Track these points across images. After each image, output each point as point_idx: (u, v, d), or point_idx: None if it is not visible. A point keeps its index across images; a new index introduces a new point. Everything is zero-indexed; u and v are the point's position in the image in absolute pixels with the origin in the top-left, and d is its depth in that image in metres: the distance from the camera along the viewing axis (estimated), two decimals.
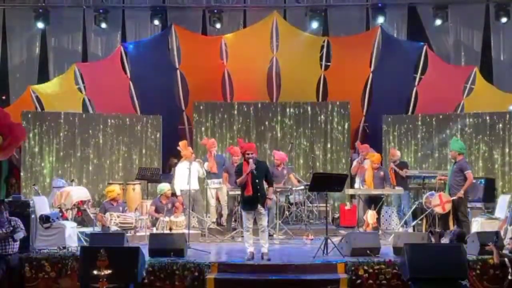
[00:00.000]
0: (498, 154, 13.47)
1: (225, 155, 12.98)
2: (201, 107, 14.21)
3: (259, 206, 9.07)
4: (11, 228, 8.60)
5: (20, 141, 9.01)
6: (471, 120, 13.72)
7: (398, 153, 12.70)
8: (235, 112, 14.24)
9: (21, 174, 13.46)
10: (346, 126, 14.22)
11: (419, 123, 14.02)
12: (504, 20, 15.72)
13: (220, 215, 12.53)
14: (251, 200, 9.04)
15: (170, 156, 14.41)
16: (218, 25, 16.16)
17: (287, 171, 12.21)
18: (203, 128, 14.12)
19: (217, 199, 12.35)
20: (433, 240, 9.54)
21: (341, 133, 14.19)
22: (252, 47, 15.47)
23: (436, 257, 7.95)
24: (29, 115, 13.59)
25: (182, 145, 11.84)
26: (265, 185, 9.30)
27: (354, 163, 12.62)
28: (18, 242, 8.70)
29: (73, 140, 13.72)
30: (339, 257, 9.11)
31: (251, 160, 9.04)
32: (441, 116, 13.96)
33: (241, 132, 14.15)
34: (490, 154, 13.51)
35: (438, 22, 16.00)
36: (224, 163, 12.32)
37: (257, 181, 9.03)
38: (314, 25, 16.11)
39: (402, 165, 12.32)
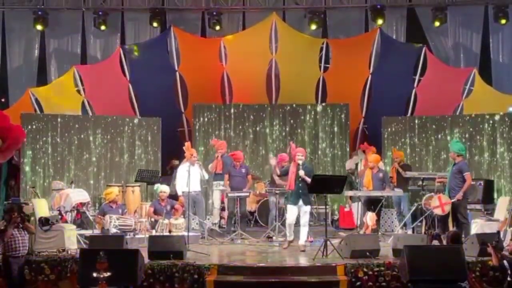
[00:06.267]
0: (497, 156, 13.45)
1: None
2: (200, 109, 14.26)
3: (301, 202, 10.05)
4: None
5: (19, 143, 9.01)
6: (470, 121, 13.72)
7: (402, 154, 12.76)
8: (234, 113, 14.27)
9: (21, 176, 13.44)
10: (345, 128, 14.23)
11: (418, 124, 14.02)
12: (503, 21, 15.74)
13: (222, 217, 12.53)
14: (294, 195, 10.14)
15: (172, 158, 14.42)
16: (217, 27, 16.17)
17: None
18: (202, 129, 14.18)
19: (223, 201, 12.32)
20: None
21: (341, 135, 14.20)
22: (251, 49, 15.47)
23: (436, 259, 7.94)
24: (29, 118, 13.57)
25: (186, 146, 11.88)
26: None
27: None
28: (27, 245, 8.77)
29: (72, 142, 13.69)
30: (338, 259, 9.11)
31: (300, 162, 10.06)
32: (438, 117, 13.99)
33: (239, 134, 14.19)
34: (490, 155, 13.49)
35: (437, 23, 16.02)
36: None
37: (300, 179, 10.02)
38: (313, 26, 16.13)
39: (406, 167, 12.32)
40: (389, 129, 14.12)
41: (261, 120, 14.27)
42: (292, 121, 14.29)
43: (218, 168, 12.06)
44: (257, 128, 14.27)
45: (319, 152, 14.18)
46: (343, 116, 14.21)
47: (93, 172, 13.79)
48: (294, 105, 14.38)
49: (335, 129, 14.19)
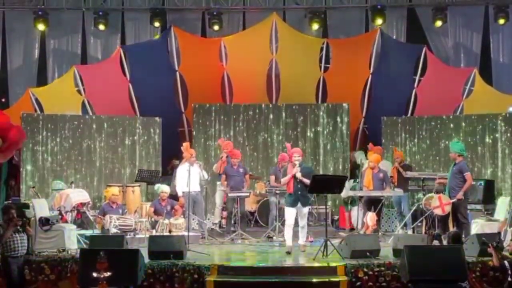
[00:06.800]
0: (497, 156, 13.44)
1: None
2: (200, 109, 14.25)
3: (299, 204, 9.80)
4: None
5: (19, 143, 9.05)
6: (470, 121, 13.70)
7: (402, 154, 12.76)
8: (234, 114, 14.27)
9: (21, 176, 13.43)
10: (345, 128, 14.22)
11: (418, 125, 14.01)
12: (503, 21, 15.73)
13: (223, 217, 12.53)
14: (293, 197, 9.83)
15: (172, 158, 14.43)
16: (217, 27, 16.16)
17: None
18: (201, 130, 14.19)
19: (225, 201, 12.29)
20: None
21: (341, 135, 14.19)
22: (251, 49, 15.47)
23: (436, 259, 7.94)
24: (29, 118, 13.56)
25: (184, 146, 11.87)
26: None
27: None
28: (26, 245, 8.77)
29: (72, 142, 13.69)
30: (338, 259, 9.11)
31: (297, 163, 9.81)
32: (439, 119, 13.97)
33: (240, 134, 14.19)
34: (490, 155, 13.47)
35: (438, 23, 16.02)
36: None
37: (298, 180, 9.76)
38: (314, 26, 16.12)
39: (406, 167, 12.32)
40: (389, 129, 14.10)
41: (262, 120, 14.26)
42: (291, 121, 14.27)
43: (222, 168, 12.06)
44: (258, 128, 14.25)
45: (319, 152, 14.17)
46: (343, 116, 14.20)
47: (93, 172, 13.78)
48: (294, 105, 14.36)
49: (335, 129, 14.17)
